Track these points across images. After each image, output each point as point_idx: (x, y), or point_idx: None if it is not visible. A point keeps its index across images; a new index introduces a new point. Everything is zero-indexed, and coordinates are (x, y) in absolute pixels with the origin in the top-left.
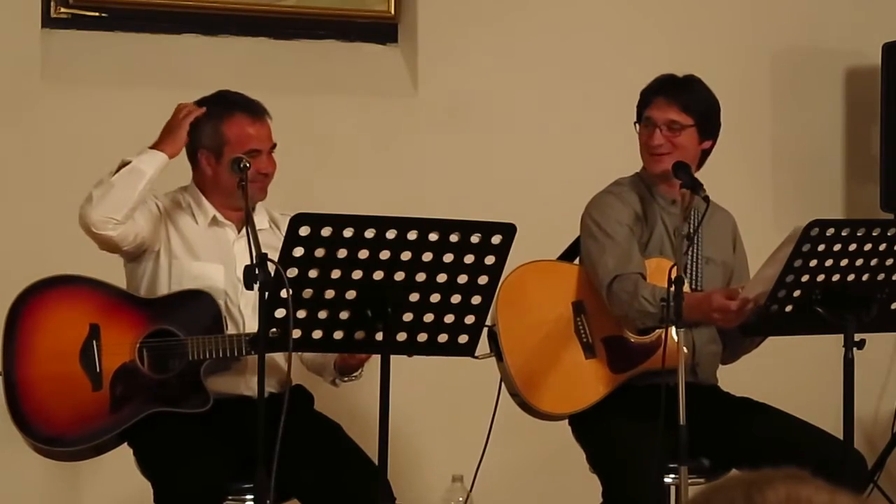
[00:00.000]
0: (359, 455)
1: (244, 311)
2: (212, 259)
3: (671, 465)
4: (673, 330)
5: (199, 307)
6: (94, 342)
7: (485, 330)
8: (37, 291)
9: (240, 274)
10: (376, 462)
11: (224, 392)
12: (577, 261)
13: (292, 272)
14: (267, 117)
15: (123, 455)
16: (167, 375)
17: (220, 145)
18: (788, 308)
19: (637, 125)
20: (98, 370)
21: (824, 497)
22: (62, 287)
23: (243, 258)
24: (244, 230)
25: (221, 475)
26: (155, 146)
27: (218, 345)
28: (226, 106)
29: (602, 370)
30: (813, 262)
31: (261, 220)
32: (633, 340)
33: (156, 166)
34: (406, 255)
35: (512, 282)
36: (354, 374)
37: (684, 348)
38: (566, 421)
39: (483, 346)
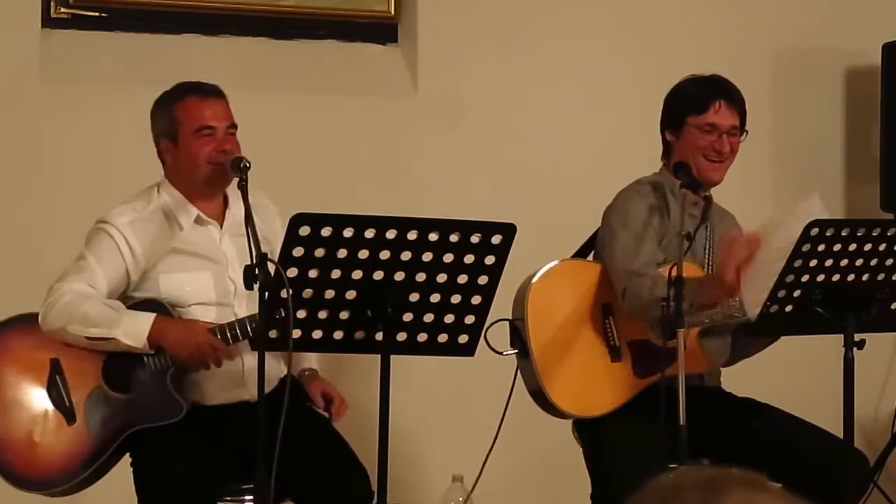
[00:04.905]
0: (343, 449)
1: (239, 313)
2: (199, 267)
3: (671, 466)
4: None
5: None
6: (58, 376)
7: (506, 324)
8: None
9: (232, 274)
10: (377, 462)
11: (208, 399)
12: (590, 256)
13: (292, 272)
14: (222, 98)
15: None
16: (135, 393)
17: (174, 128)
18: (788, 308)
19: (676, 129)
20: (68, 404)
21: None
22: (8, 331)
23: (233, 257)
24: (224, 226)
25: (206, 487)
26: (152, 337)
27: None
28: (176, 93)
29: (625, 374)
30: (813, 262)
31: (238, 208)
32: (660, 345)
33: (128, 345)
34: (406, 255)
35: (545, 279)
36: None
37: (681, 347)
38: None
39: (504, 341)
